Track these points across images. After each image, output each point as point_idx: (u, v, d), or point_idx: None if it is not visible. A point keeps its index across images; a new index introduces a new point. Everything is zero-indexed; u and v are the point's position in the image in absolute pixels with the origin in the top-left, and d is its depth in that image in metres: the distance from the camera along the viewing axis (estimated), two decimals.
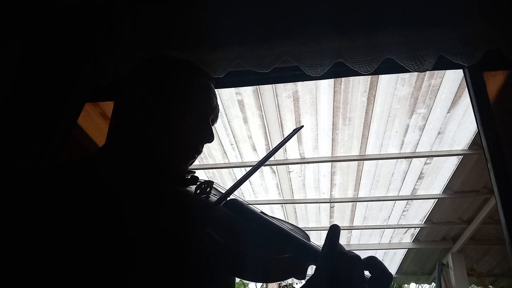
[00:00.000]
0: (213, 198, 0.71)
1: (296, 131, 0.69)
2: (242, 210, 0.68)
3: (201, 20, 1.37)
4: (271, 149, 0.70)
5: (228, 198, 0.69)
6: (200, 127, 0.72)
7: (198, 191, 0.69)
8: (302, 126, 0.69)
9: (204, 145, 0.75)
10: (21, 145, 1.20)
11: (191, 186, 0.73)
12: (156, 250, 0.62)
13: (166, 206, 0.68)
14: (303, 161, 3.17)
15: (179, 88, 0.72)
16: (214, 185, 0.74)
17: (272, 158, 3.19)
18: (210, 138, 0.73)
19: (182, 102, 0.71)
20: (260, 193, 3.83)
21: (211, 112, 0.75)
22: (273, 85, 2.39)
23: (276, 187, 3.70)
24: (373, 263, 0.55)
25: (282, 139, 0.69)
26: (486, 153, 1.15)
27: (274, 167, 3.35)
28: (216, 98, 0.76)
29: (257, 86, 2.40)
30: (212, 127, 0.76)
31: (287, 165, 3.29)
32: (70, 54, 1.32)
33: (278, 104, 2.58)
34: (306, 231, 0.71)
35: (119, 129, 0.73)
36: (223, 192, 0.73)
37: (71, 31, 1.36)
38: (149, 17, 1.39)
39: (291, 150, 3.07)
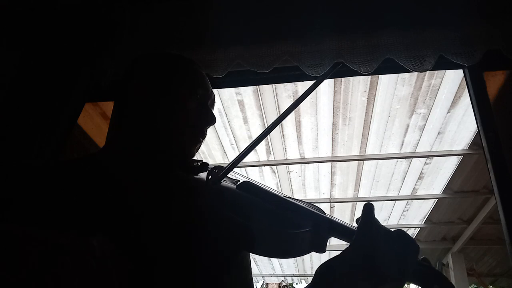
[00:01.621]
0: (225, 184, 0.71)
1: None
2: (256, 190, 0.69)
3: (201, 20, 1.37)
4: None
5: (241, 181, 0.71)
6: (203, 110, 0.77)
7: (210, 176, 0.69)
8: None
9: (205, 139, 0.79)
10: (21, 145, 1.20)
11: (200, 174, 0.74)
12: (169, 241, 0.61)
13: (177, 196, 0.68)
14: (303, 161, 3.17)
15: (180, 76, 0.76)
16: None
17: (272, 158, 3.21)
18: (213, 120, 0.77)
19: (185, 88, 0.75)
20: None
21: (209, 97, 0.80)
22: (273, 85, 2.39)
23: (276, 187, 3.70)
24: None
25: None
26: (486, 153, 1.15)
27: (274, 167, 3.35)
28: (210, 85, 0.82)
29: (257, 86, 2.40)
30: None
31: (287, 165, 3.29)
32: (70, 54, 1.32)
33: (278, 104, 2.58)
34: None
35: (124, 122, 0.75)
36: (234, 177, 0.74)
37: (71, 31, 1.36)
38: (149, 17, 1.39)
39: (291, 150, 3.07)
